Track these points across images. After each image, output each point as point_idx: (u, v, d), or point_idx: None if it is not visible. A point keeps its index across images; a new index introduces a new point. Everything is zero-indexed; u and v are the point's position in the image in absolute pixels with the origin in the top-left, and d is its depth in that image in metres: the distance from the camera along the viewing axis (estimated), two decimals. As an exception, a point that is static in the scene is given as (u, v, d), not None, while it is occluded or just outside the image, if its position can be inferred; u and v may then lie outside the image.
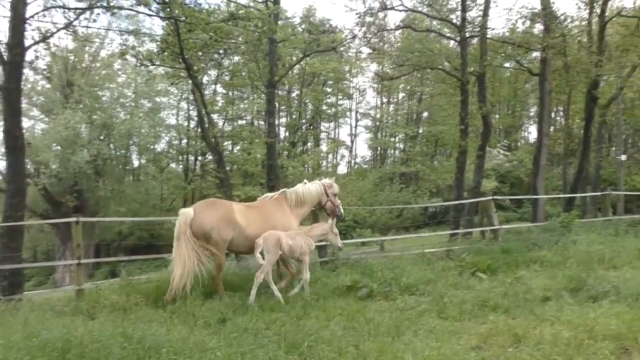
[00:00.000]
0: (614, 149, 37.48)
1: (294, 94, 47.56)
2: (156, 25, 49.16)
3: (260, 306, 7.11)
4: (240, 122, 45.87)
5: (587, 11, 24.90)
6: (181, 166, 44.00)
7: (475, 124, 26.76)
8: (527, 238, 12.66)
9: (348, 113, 56.15)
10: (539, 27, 24.09)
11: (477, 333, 5.58)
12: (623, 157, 30.09)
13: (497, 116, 50.52)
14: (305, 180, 9.28)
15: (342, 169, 55.44)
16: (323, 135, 55.80)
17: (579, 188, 25.00)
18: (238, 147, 45.10)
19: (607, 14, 23.72)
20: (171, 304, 7.39)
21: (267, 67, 18.10)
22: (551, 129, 43.20)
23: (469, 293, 7.30)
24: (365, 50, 25.68)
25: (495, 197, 15.88)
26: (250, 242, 7.99)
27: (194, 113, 39.70)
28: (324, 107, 50.25)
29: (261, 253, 7.63)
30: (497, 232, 13.48)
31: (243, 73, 38.52)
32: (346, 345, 5.22)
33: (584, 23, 26.20)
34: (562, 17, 23.53)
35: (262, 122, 42.24)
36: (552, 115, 46.16)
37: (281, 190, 9.10)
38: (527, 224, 17.32)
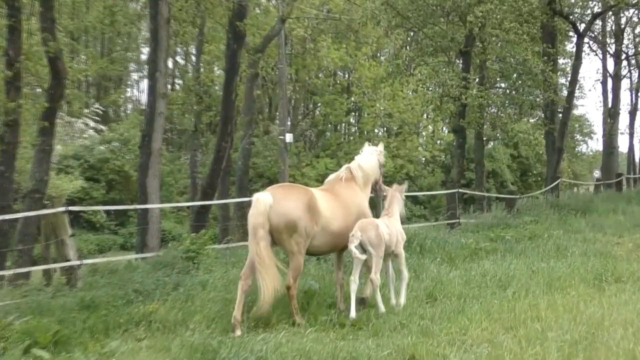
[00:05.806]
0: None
1: None
2: None
3: None
4: None
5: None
6: None
7: (36, 68, 18.00)
8: (128, 280, 9.97)
9: None
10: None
11: None
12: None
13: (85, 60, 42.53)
14: (360, 151, 8.90)
15: None
16: None
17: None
18: None
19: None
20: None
21: None
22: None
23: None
24: None
25: (72, 208, 11.65)
26: (334, 239, 7.53)
27: None
28: None
29: (356, 247, 7.21)
30: (75, 272, 10.40)
31: None
32: None
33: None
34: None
35: None
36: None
37: (345, 167, 8.51)
38: (132, 255, 14.07)
